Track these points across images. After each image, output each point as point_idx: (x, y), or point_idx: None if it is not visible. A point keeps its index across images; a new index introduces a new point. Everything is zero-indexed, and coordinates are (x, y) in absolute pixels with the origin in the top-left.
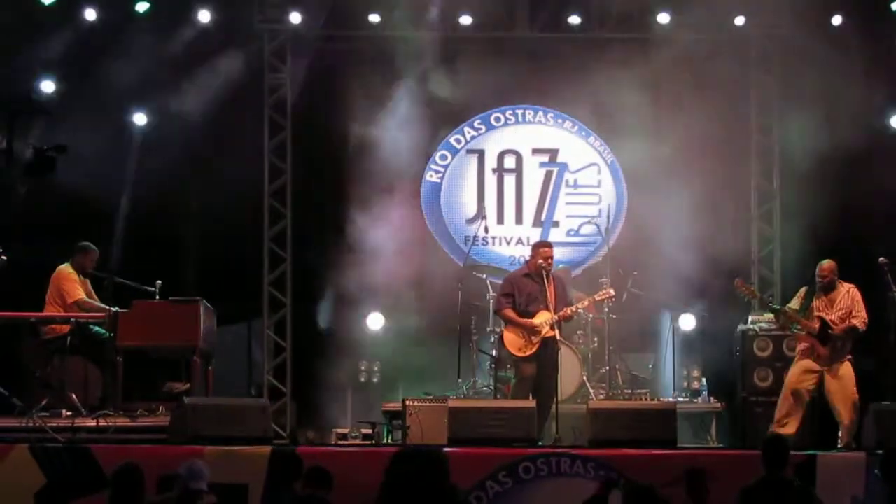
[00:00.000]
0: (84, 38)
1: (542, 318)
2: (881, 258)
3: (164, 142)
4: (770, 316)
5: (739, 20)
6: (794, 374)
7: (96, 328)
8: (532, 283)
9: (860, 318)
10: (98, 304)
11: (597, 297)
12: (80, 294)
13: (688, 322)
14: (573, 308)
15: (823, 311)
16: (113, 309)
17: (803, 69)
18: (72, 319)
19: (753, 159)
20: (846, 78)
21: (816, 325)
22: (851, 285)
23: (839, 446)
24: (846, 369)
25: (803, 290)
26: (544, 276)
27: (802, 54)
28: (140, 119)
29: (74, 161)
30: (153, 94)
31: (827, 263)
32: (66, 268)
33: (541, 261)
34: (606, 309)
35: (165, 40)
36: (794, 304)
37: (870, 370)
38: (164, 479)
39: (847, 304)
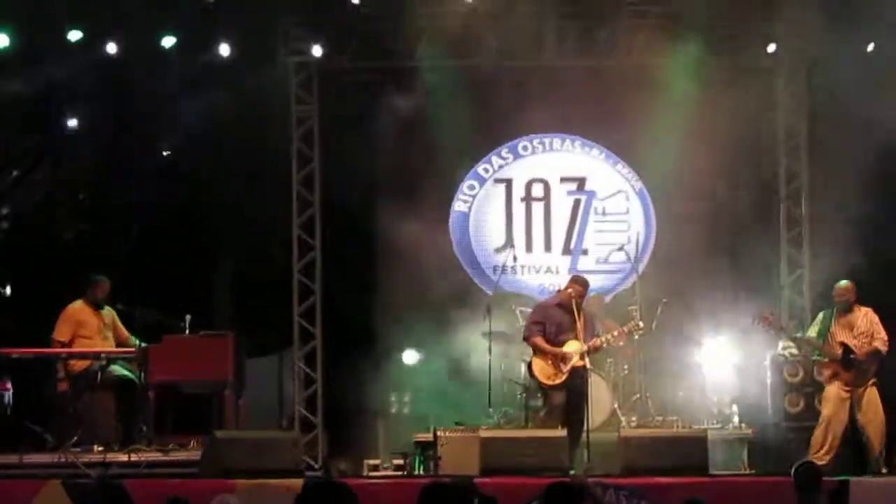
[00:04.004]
0: (109, 71)
1: (572, 348)
2: None
3: (192, 174)
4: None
5: (771, 47)
6: (826, 403)
7: (118, 366)
8: (562, 313)
9: (881, 340)
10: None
11: (626, 329)
12: (62, 335)
13: (717, 348)
14: (603, 339)
15: (843, 335)
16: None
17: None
18: (102, 356)
19: (781, 181)
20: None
21: (839, 350)
22: (868, 309)
23: (872, 471)
24: (872, 394)
25: (820, 314)
26: (574, 308)
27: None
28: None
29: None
30: (181, 126)
31: (844, 284)
32: (74, 304)
33: (573, 293)
34: (637, 337)
35: (191, 72)
36: (812, 330)
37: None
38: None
39: (866, 327)
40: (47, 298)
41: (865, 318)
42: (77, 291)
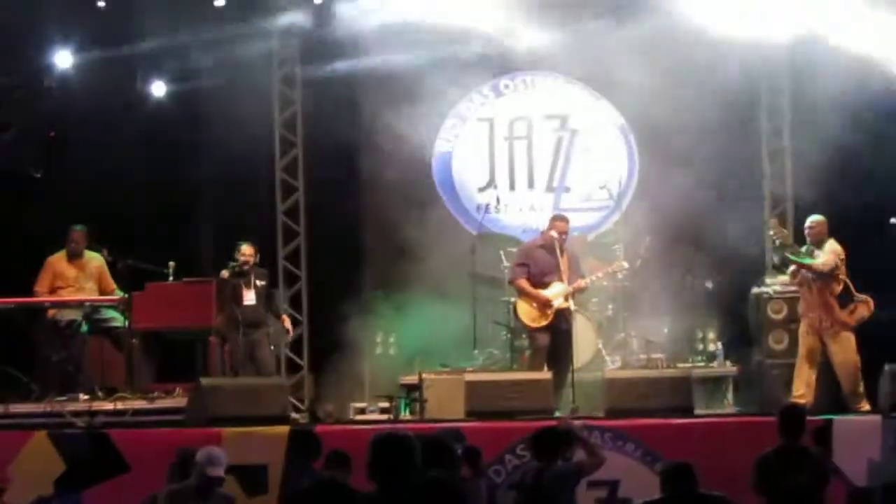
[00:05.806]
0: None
1: (556, 290)
2: (892, 219)
3: (175, 114)
4: (784, 278)
5: None
6: (801, 340)
7: (110, 312)
8: (546, 254)
9: (821, 260)
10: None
11: (610, 270)
12: (39, 285)
13: (701, 285)
14: (587, 280)
15: None
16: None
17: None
18: (85, 304)
19: (763, 117)
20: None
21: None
22: (832, 240)
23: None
24: (846, 335)
25: (802, 248)
26: (558, 249)
27: None
28: (158, 89)
29: (91, 137)
30: (167, 64)
31: (815, 219)
32: (55, 254)
33: (555, 233)
34: (620, 276)
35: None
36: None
37: (886, 329)
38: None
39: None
40: (21, 244)
41: (828, 246)
42: (52, 238)
